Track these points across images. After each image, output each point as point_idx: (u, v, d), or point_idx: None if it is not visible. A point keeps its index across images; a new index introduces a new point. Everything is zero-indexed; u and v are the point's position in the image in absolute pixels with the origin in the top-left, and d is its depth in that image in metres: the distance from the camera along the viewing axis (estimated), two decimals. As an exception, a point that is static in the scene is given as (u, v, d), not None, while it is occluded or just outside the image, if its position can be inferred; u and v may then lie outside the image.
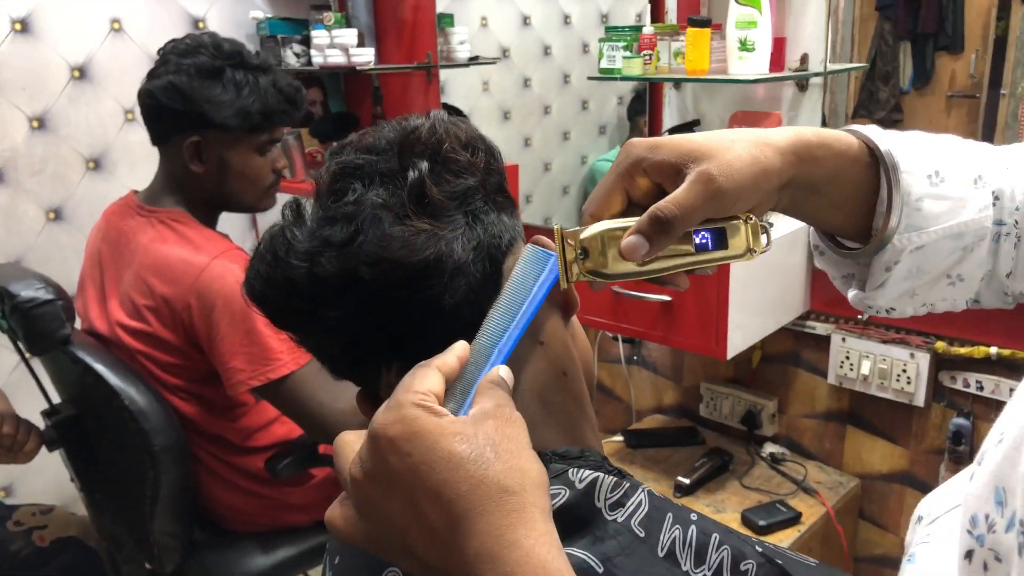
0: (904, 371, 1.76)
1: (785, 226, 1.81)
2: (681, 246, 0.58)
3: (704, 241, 0.59)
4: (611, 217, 0.61)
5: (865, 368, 1.81)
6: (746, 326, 1.72)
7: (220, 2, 2.45)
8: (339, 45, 2.33)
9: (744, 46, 1.66)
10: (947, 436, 1.75)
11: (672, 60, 1.79)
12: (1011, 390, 1.66)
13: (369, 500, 0.49)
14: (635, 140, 0.60)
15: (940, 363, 1.75)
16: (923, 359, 1.73)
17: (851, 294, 0.69)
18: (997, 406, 1.70)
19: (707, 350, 1.71)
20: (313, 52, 2.39)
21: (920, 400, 1.76)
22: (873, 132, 0.63)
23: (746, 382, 2.09)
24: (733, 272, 1.63)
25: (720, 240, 0.59)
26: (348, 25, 2.39)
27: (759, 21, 1.63)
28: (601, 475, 0.61)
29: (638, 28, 1.82)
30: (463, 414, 0.52)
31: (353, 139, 0.65)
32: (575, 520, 0.58)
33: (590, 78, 1.87)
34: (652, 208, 0.56)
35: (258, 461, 1.63)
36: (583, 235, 0.58)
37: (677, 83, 2.02)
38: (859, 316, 1.83)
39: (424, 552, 0.47)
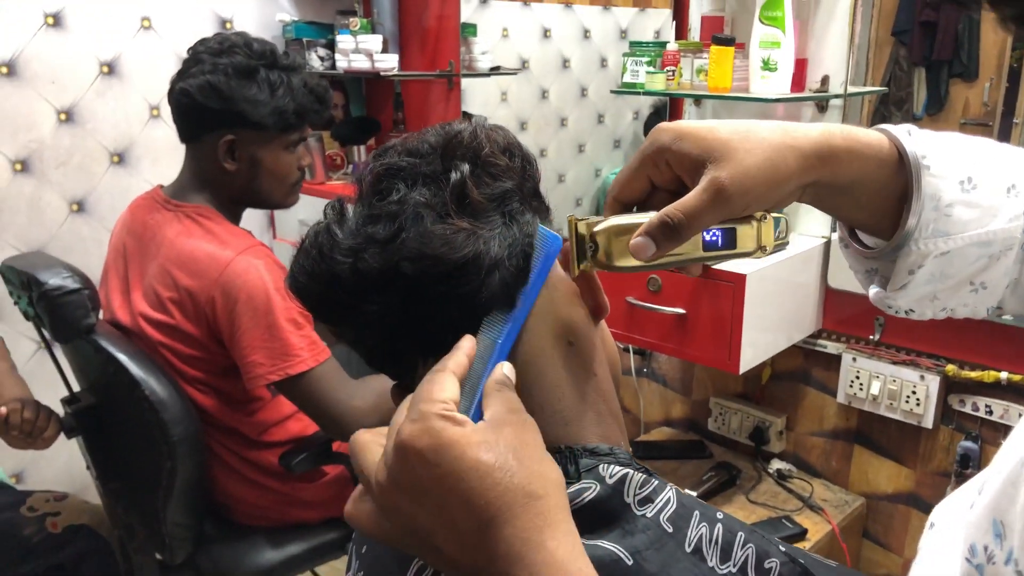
0: (914, 392, 1.77)
1: (799, 245, 1.83)
2: (690, 242, 0.60)
3: (714, 239, 0.60)
4: (633, 201, 0.63)
5: (875, 388, 1.83)
6: (758, 342, 1.74)
7: (248, 4, 2.48)
8: (363, 50, 2.36)
9: (767, 66, 1.68)
10: (955, 459, 1.76)
11: (694, 77, 1.82)
12: (1021, 415, 1.68)
13: (395, 506, 0.51)
14: (663, 125, 0.61)
15: (950, 386, 1.76)
16: (933, 381, 1.75)
17: (872, 292, 0.69)
18: (1006, 431, 1.71)
19: (719, 363, 1.72)
20: (337, 56, 2.42)
21: (929, 422, 1.78)
22: (904, 134, 0.63)
23: (755, 398, 2.10)
24: (748, 287, 1.65)
25: (730, 239, 0.60)
26: (373, 31, 2.42)
27: (782, 42, 1.66)
28: (631, 471, 0.63)
29: (662, 44, 1.85)
30: (474, 411, 0.55)
31: (396, 143, 0.68)
32: (605, 514, 0.60)
33: (613, 91, 1.90)
34: (662, 212, 0.57)
35: (272, 456, 1.65)
36: (595, 228, 0.60)
37: (698, 100, 2.04)
38: (870, 336, 1.84)
39: (452, 552, 0.50)
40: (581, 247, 0.61)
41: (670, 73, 1.82)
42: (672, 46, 1.83)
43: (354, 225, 0.63)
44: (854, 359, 1.86)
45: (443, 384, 0.54)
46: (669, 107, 2.13)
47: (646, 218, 0.59)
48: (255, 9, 2.50)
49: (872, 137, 0.63)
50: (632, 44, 1.88)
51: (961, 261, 0.64)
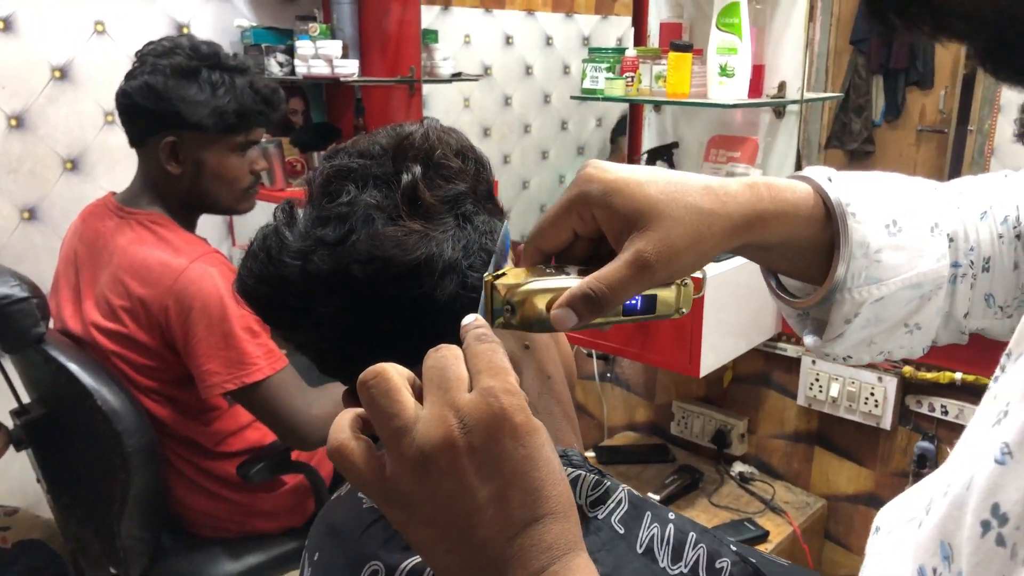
0: (872, 394, 1.79)
1: (759, 249, 1.84)
2: None
3: (633, 304, 0.59)
4: (554, 251, 0.60)
5: (834, 390, 1.85)
6: (719, 345, 1.75)
7: (205, 8, 2.45)
8: (323, 56, 2.34)
9: (724, 72, 1.70)
10: (912, 459, 1.78)
11: (653, 83, 1.83)
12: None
13: (458, 469, 0.45)
14: (593, 172, 0.57)
15: (907, 387, 1.78)
16: (891, 383, 1.77)
17: (808, 340, 0.68)
18: (961, 431, 1.74)
19: (681, 367, 1.73)
20: (297, 62, 2.40)
21: (887, 423, 1.80)
22: (825, 180, 0.62)
23: (718, 402, 2.11)
24: (707, 291, 1.66)
25: (649, 304, 0.59)
26: (333, 37, 2.41)
27: (739, 48, 1.67)
28: (583, 473, 0.63)
29: (621, 50, 1.85)
30: None
31: (347, 144, 0.67)
32: None
33: (573, 97, 1.91)
34: (584, 284, 0.55)
35: (229, 466, 1.62)
36: (513, 297, 0.56)
37: (657, 106, 2.05)
38: (829, 339, 1.86)
39: (486, 535, 0.46)
40: (498, 307, 0.57)
41: (629, 79, 1.83)
42: (631, 52, 1.84)
43: (303, 227, 0.62)
44: (813, 362, 1.88)
45: (507, 360, 0.49)
46: (630, 113, 2.14)
47: (566, 282, 0.56)
48: (212, 13, 2.47)
49: (798, 193, 0.61)
50: (591, 50, 1.88)
51: (894, 305, 0.64)
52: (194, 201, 1.61)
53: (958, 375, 1.69)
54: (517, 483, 0.46)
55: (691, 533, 0.64)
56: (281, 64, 2.45)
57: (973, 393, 1.70)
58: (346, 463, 0.48)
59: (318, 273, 0.60)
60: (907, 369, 1.75)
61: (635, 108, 2.11)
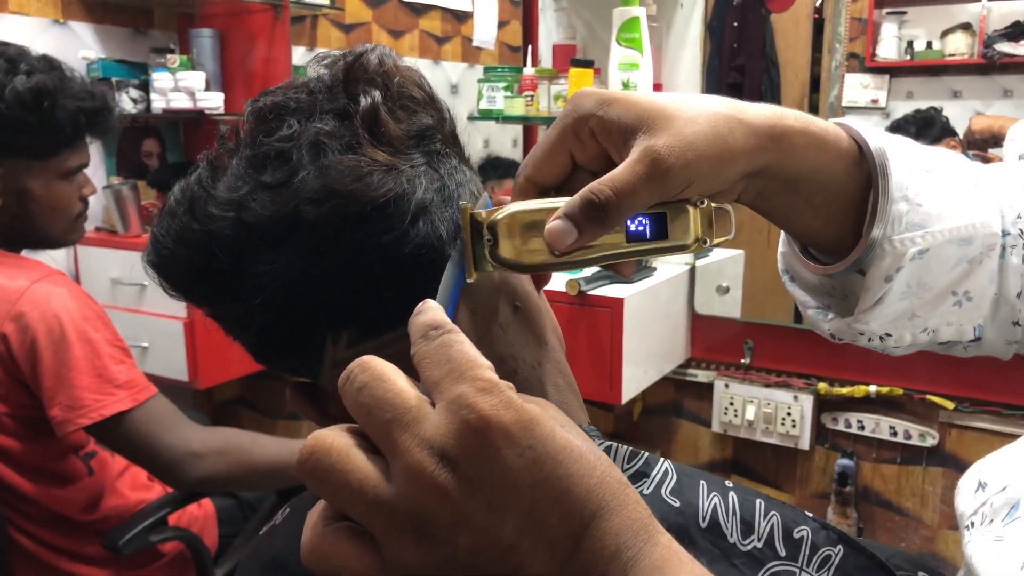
0: (788, 414, 1.75)
1: (664, 272, 1.79)
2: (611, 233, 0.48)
3: (640, 228, 0.48)
4: (551, 184, 0.51)
5: (750, 413, 1.79)
6: (633, 375, 1.66)
7: (42, 37, 2.21)
8: (184, 89, 2.15)
9: (626, 87, 1.65)
10: (832, 478, 1.75)
11: (552, 103, 1.76)
12: (891, 427, 1.69)
13: (465, 518, 0.35)
14: (585, 90, 0.50)
15: (822, 405, 1.76)
16: (807, 401, 1.74)
17: (832, 323, 0.59)
18: (878, 444, 1.72)
19: (600, 395, 1.63)
20: (154, 96, 2.19)
21: (805, 443, 1.76)
22: (863, 127, 0.55)
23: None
24: (625, 313, 1.58)
25: (660, 228, 0.49)
26: (193, 69, 2.22)
27: (641, 63, 1.64)
28: (615, 444, 0.53)
29: (518, 69, 1.79)
30: None
31: (277, 87, 0.55)
32: None
33: (470, 118, 1.81)
34: (585, 190, 0.45)
35: (93, 541, 1.35)
36: (496, 216, 0.47)
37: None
38: (741, 361, 1.82)
39: (539, 569, 0.36)
40: (478, 243, 0.47)
41: (529, 98, 1.76)
42: (528, 70, 1.77)
43: (233, 172, 0.50)
44: (726, 385, 1.83)
45: (471, 348, 0.38)
46: (524, 138, 2.07)
47: (561, 203, 0.46)
48: (52, 44, 2.23)
49: (828, 126, 0.54)
50: (487, 69, 1.80)
51: (940, 265, 0.55)
52: (18, 236, 1.37)
53: (872, 388, 1.68)
54: (542, 495, 0.36)
55: (758, 500, 0.53)
56: (135, 100, 2.23)
57: (888, 406, 1.69)
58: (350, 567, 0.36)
59: (257, 222, 0.48)
60: (822, 385, 1.73)
61: (529, 133, 2.04)
